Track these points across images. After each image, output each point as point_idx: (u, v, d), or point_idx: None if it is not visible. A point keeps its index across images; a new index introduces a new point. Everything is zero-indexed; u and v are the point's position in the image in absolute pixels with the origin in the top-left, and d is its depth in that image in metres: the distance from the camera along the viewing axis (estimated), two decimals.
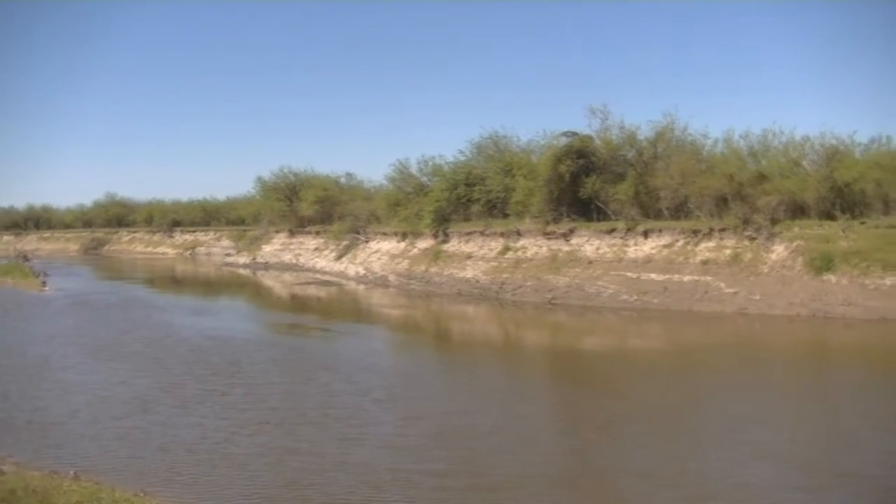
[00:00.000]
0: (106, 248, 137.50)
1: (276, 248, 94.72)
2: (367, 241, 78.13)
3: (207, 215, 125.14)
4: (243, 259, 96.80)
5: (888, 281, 40.27)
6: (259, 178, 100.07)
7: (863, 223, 45.29)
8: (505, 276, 56.37)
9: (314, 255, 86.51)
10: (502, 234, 60.35)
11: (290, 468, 18.62)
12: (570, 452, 20.58)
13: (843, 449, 19.88)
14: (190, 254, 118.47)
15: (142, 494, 16.33)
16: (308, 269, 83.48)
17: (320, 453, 19.73)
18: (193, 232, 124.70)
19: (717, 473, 18.13)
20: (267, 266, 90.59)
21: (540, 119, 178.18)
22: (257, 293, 69.77)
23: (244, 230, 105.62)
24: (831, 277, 42.23)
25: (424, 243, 67.87)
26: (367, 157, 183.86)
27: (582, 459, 19.89)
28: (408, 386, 28.40)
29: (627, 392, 27.25)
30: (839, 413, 24.22)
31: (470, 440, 20.92)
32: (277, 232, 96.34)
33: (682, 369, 31.90)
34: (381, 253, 73.62)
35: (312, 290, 66.70)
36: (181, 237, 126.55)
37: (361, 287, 67.42)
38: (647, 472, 18.39)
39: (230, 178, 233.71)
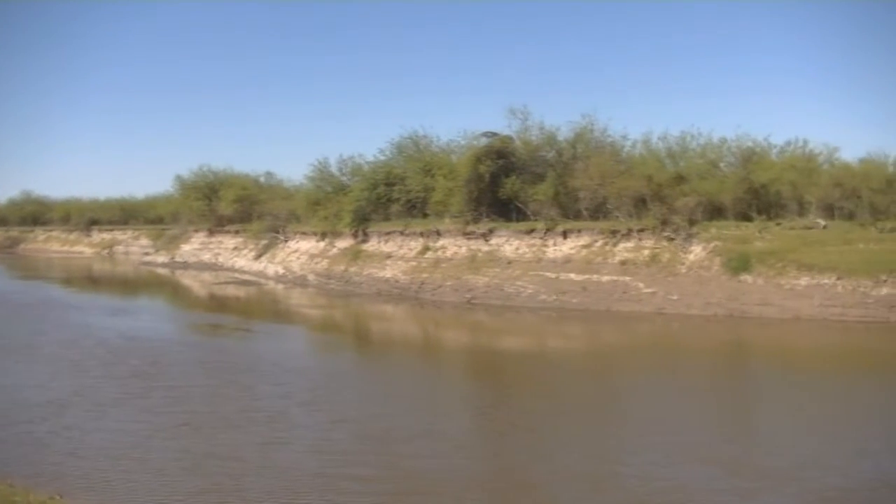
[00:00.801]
0: (21, 246, 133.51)
1: (195, 247, 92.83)
2: (286, 241, 76.93)
3: (126, 214, 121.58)
4: (162, 258, 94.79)
5: (802, 281, 40.71)
6: (178, 177, 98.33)
7: (778, 224, 45.89)
8: (424, 275, 55.70)
9: (233, 254, 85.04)
10: (422, 234, 59.70)
11: (209, 473, 17.86)
12: (496, 455, 19.94)
13: (768, 449, 19.47)
14: (108, 253, 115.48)
15: (58, 497, 15.67)
16: (227, 269, 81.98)
17: (240, 458, 18.95)
18: (111, 231, 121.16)
19: (647, 476, 17.58)
20: (186, 265, 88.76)
21: (460, 119, 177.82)
22: (176, 293, 68.09)
23: (163, 229, 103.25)
24: (748, 278, 42.56)
25: (344, 243, 66.85)
26: (287, 157, 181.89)
27: (508, 462, 19.25)
28: (330, 388, 27.55)
29: (551, 393, 26.67)
30: (760, 413, 24.18)
31: (394, 444, 20.15)
32: (196, 231, 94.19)
33: (605, 369, 31.64)
34: (301, 252, 72.51)
35: (231, 290, 65.29)
36: (99, 236, 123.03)
37: (281, 287, 66.28)
38: (578, 474, 17.90)
39: (149, 177, 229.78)
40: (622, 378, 29.78)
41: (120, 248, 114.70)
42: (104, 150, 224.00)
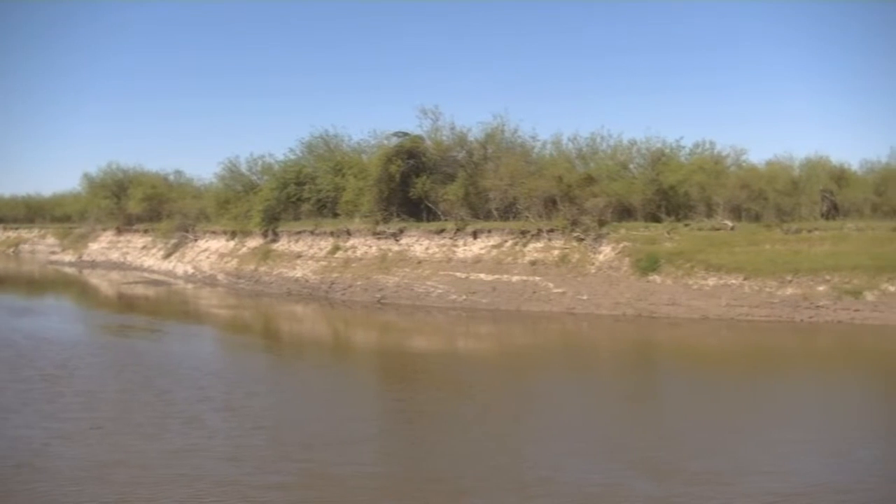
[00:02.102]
0: None
1: (103, 246, 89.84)
2: (195, 240, 74.79)
3: (31, 212, 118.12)
4: (69, 257, 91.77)
5: (710, 281, 40.88)
6: (86, 175, 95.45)
7: (687, 225, 45.90)
8: (335, 275, 54.59)
9: (142, 253, 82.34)
10: (332, 234, 58.48)
11: (117, 482, 16.44)
12: (416, 460, 18.94)
13: (697, 452, 18.77)
14: (13, 251, 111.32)
15: None
16: (136, 268, 79.27)
17: (149, 465, 17.53)
18: (17, 229, 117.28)
19: (580, 481, 16.79)
20: (94, 264, 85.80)
21: (372, 119, 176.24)
22: (84, 292, 65.30)
23: (70, 227, 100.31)
24: (656, 278, 42.47)
25: (254, 242, 65.30)
26: (197, 155, 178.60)
27: (430, 467, 18.15)
28: (245, 391, 25.78)
29: (468, 394, 25.59)
30: (680, 414, 23.26)
31: (310, 450, 19.07)
32: (104, 230, 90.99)
33: (519, 370, 30.64)
34: (210, 252, 70.60)
35: (140, 290, 62.76)
36: (3, 234, 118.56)
37: (190, 286, 64.27)
38: (505, 480, 17.06)
39: (55, 175, 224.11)
40: (537, 379, 28.80)
41: (26, 247, 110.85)
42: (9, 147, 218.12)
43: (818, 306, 37.98)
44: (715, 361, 32.02)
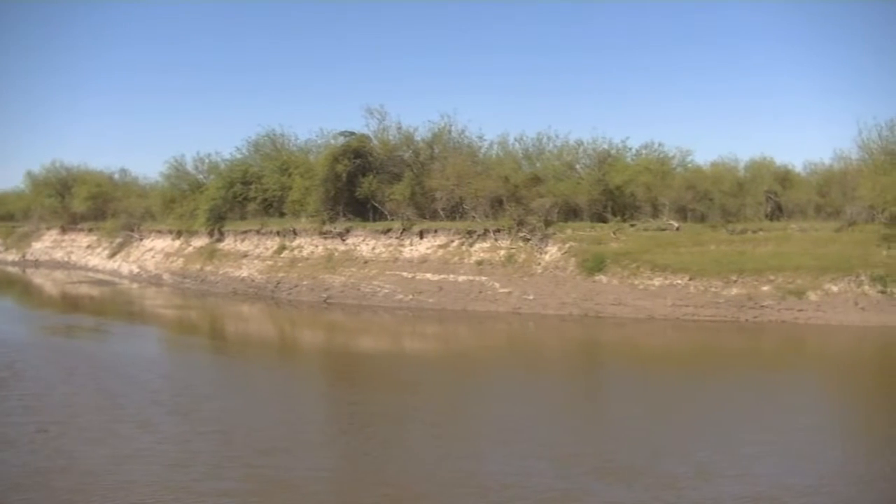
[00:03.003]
0: None
1: (46, 245, 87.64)
2: (141, 239, 73.04)
3: None
4: (12, 256, 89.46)
5: (656, 281, 40.84)
6: (29, 173, 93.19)
7: (633, 226, 45.75)
8: (281, 275, 53.77)
9: (87, 252, 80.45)
10: (278, 233, 57.58)
11: (61, 489, 16.00)
12: (366, 462, 18.50)
13: (661, 455, 18.49)
14: None
15: None
16: (81, 267, 77.49)
17: (96, 472, 17.02)
18: None
19: (539, 486, 16.44)
20: (37, 264, 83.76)
21: (319, 119, 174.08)
22: (27, 292, 63.80)
23: (13, 226, 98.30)
24: (602, 278, 42.28)
25: (200, 241, 64.03)
26: (142, 154, 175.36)
27: (381, 471, 17.76)
28: (193, 395, 25.27)
29: (416, 395, 25.41)
30: (636, 416, 22.78)
31: (260, 455, 18.46)
32: (49, 229, 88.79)
33: (467, 370, 30.44)
34: (156, 251, 69.03)
35: (85, 289, 61.35)
36: None
37: (135, 286, 62.98)
38: (458, 483, 16.68)
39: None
40: (488, 380, 28.57)
41: None
42: None
43: (762, 306, 38.03)
44: (665, 362, 31.80)
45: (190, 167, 70.97)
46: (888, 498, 16.34)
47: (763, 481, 16.63)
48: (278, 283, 53.24)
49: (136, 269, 68.99)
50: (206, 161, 69.90)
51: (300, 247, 55.80)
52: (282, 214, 59.29)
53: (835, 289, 37.87)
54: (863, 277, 37.84)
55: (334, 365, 32.63)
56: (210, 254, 61.42)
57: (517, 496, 15.86)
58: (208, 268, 60.21)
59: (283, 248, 56.54)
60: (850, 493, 16.27)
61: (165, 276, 63.82)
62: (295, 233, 56.69)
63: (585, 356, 34.29)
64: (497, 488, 16.28)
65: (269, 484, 16.57)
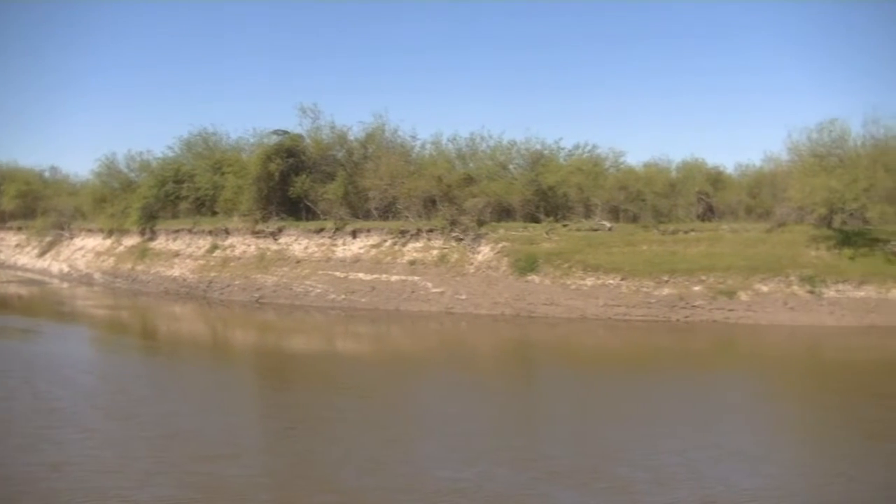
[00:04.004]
0: None
1: None
2: (71, 238, 71.05)
3: None
4: None
5: (588, 281, 40.46)
6: None
7: (565, 226, 45.28)
8: (213, 274, 52.34)
9: (15, 251, 78.16)
10: (210, 233, 56.02)
11: None
12: (307, 466, 17.60)
13: (616, 458, 17.89)
14: None
15: None
16: (9, 267, 75.10)
17: (27, 480, 16.00)
18: None
19: (475, 485, 16.02)
20: None
21: (251, 117, 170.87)
22: None
23: None
24: (535, 278, 41.77)
25: (131, 241, 62.21)
26: (72, 152, 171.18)
27: (324, 475, 16.87)
28: (128, 398, 23.81)
29: (357, 395, 24.70)
30: (585, 418, 22.29)
31: (198, 461, 17.50)
32: None
33: (404, 371, 29.80)
34: (87, 250, 67.06)
35: (14, 289, 59.27)
36: None
37: (66, 285, 61.20)
38: (407, 487, 16.03)
39: None
40: (426, 381, 27.84)
41: None
42: None
43: (694, 306, 37.88)
44: (603, 362, 31.28)
45: (122, 166, 68.99)
46: (845, 499, 15.78)
47: (716, 484, 16.25)
48: (210, 282, 51.89)
49: (66, 269, 67.05)
50: (138, 159, 67.92)
51: (232, 246, 54.39)
52: (214, 213, 57.77)
53: (765, 289, 37.96)
54: (792, 278, 38.07)
55: (270, 366, 31.53)
56: (142, 253, 59.74)
57: (466, 500, 15.36)
58: (140, 267, 58.57)
59: (215, 247, 55.08)
60: (807, 497, 15.87)
61: (96, 276, 62.04)
62: (227, 232, 55.18)
63: (522, 357, 33.62)
64: (450, 493, 15.66)
65: (210, 491, 15.73)
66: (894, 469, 17.54)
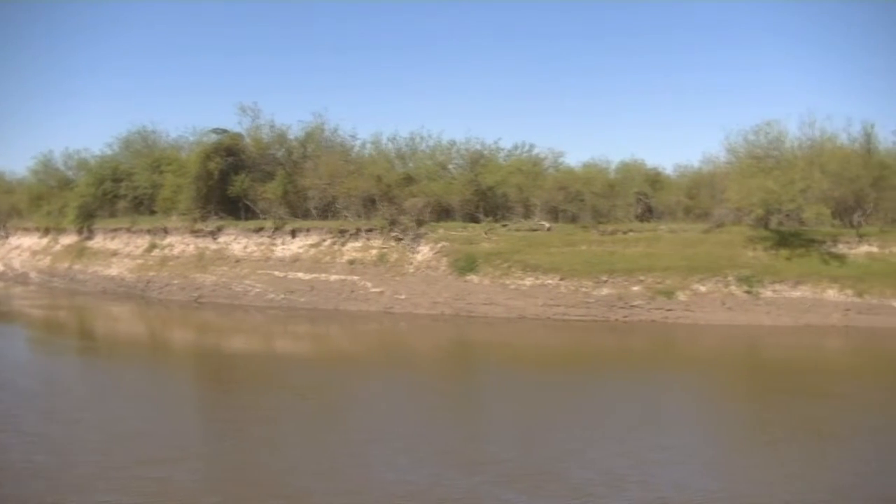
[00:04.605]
0: None
1: None
2: (6, 237, 69.49)
3: None
4: None
5: (527, 281, 40.18)
6: None
7: (504, 226, 44.93)
8: (151, 273, 51.27)
9: None
10: (149, 232, 54.79)
11: None
12: (253, 470, 16.92)
13: (568, 460, 17.47)
14: None
15: None
16: None
17: None
18: None
19: (427, 488, 15.60)
20: None
21: (191, 116, 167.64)
22: None
23: None
24: (474, 278, 41.39)
25: (68, 240, 60.81)
26: (8, 149, 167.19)
27: (271, 479, 16.28)
28: (68, 402, 23.01)
29: (295, 395, 24.30)
30: (536, 419, 21.76)
31: (142, 466, 16.79)
32: None
33: (346, 371, 29.20)
34: (23, 249, 65.53)
35: None
36: None
37: (0, 284, 59.95)
38: (354, 490, 15.56)
39: None
40: (369, 381, 27.18)
41: None
42: None
43: (633, 306, 37.82)
44: (545, 363, 30.89)
45: (59, 164, 67.67)
46: (795, 499, 15.40)
47: (669, 486, 15.86)
48: (149, 282, 50.85)
49: (1, 268, 65.48)
50: (76, 157, 66.53)
51: (171, 245, 53.28)
52: (153, 213, 56.52)
53: (703, 289, 37.93)
54: (730, 278, 38.14)
55: (212, 367, 30.82)
56: (79, 252, 58.49)
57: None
58: (77, 266, 57.41)
59: (153, 246, 53.88)
60: (763, 500, 15.41)
61: (32, 275, 60.76)
62: (166, 231, 54.02)
63: (465, 357, 33.18)
64: (401, 497, 15.17)
65: (155, 496, 15.13)
66: (843, 469, 17.28)
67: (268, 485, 15.85)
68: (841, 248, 39.47)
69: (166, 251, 53.18)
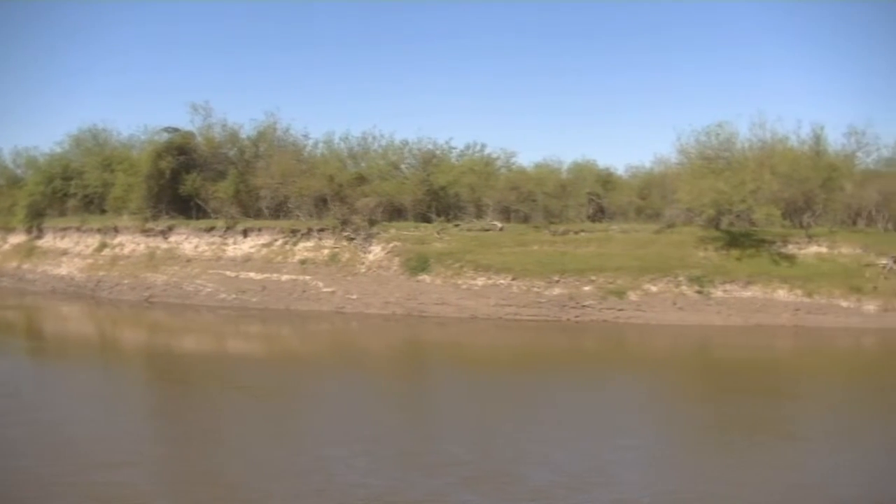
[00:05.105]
0: None
1: None
2: None
3: None
4: None
5: (479, 281, 39.84)
6: None
7: (457, 226, 44.72)
8: (102, 273, 50.14)
9: None
10: (100, 231, 53.58)
11: None
12: (207, 474, 16.36)
13: (528, 461, 17.28)
14: None
15: None
16: None
17: None
18: None
19: (386, 490, 15.26)
20: None
21: (143, 115, 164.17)
22: None
23: None
24: (426, 277, 41.05)
25: (17, 238, 59.35)
26: None
27: (225, 481, 15.90)
28: (19, 403, 22.26)
29: (250, 396, 23.77)
30: (489, 419, 21.50)
31: (86, 472, 16.02)
32: None
33: (297, 371, 28.75)
34: None
35: None
36: None
37: None
38: (306, 486, 15.42)
39: None
40: (324, 382, 26.93)
41: None
42: None
43: (584, 306, 37.66)
44: (499, 363, 30.87)
45: (8, 162, 66.28)
46: (755, 498, 15.39)
47: (632, 487, 15.78)
48: (99, 281, 49.75)
49: None
50: (25, 155, 64.90)
51: (122, 245, 52.10)
52: (103, 212, 55.37)
53: (654, 289, 37.87)
54: (681, 278, 38.11)
55: (164, 368, 29.93)
56: (28, 251, 57.13)
57: None
58: (26, 265, 56.08)
59: (104, 245, 52.72)
60: (731, 499, 15.32)
61: None
62: (117, 230, 52.81)
63: (418, 358, 33.04)
64: (368, 499, 14.86)
65: (109, 501, 14.62)
66: (801, 470, 17.28)
67: (226, 488, 15.36)
68: (791, 249, 39.72)
69: (117, 250, 52.10)
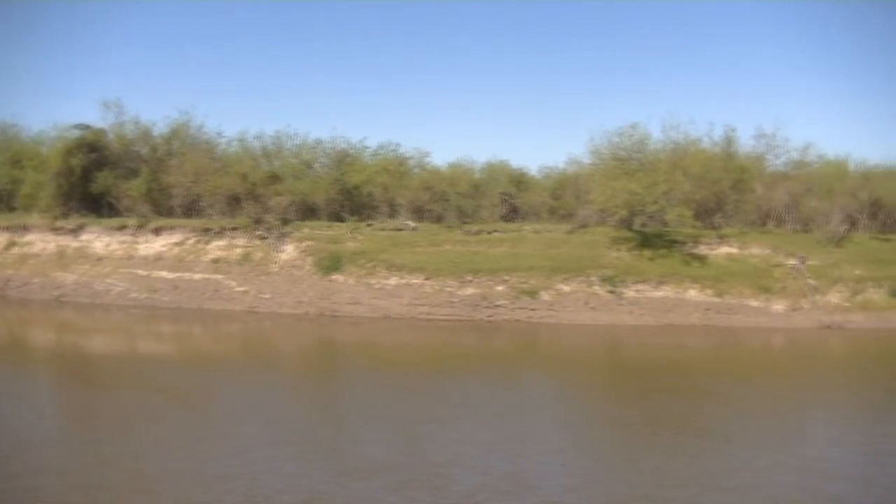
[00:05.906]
0: None
1: None
2: None
3: None
4: None
5: (392, 281, 39.52)
6: None
7: (370, 225, 44.09)
8: (10, 272, 47.97)
9: None
10: (7, 229, 51.14)
11: None
12: (131, 476, 15.63)
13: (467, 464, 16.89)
14: None
15: None
16: None
17: None
18: None
19: (320, 493, 14.94)
20: None
21: (53, 111, 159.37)
22: None
23: None
24: (339, 277, 40.45)
25: None
26: None
27: (154, 485, 15.19)
28: None
29: (167, 397, 22.76)
30: (388, 415, 21.39)
31: (8, 479, 15.25)
32: None
33: (212, 371, 27.87)
34: None
35: None
36: None
37: None
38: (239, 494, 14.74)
39: None
40: (243, 382, 25.76)
41: None
42: None
43: (497, 305, 37.43)
44: (413, 364, 30.32)
45: None
46: (683, 497, 15.20)
47: (560, 490, 15.51)
48: (7, 280, 47.58)
49: None
50: None
51: (31, 243, 49.96)
52: (12, 209, 53.21)
53: (567, 289, 37.72)
54: (593, 278, 38.07)
55: (76, 369, 28.64)
56: None
57: None
58: None
59: (12, 244, 50.46)
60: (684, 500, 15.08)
61: None
62: (26, 228, 50.59)
63: (333, 357, 32.47)
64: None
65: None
66: (727, 469, 17.18)
67: (147, 495, 14.69)
68: (702, 249, 40.06)
69: (26, 249, 49.96)
